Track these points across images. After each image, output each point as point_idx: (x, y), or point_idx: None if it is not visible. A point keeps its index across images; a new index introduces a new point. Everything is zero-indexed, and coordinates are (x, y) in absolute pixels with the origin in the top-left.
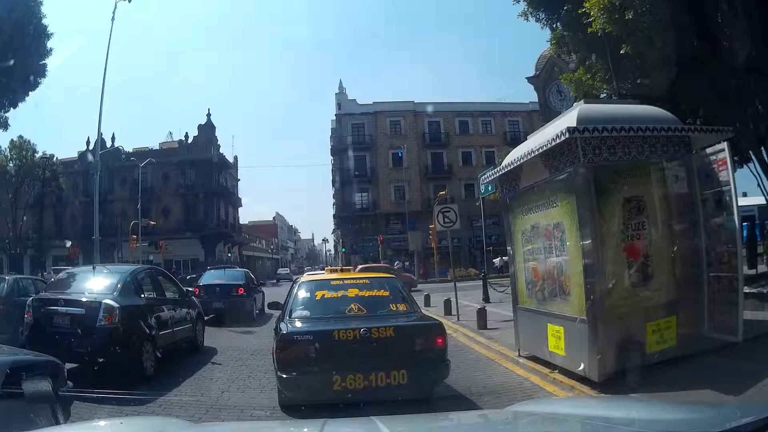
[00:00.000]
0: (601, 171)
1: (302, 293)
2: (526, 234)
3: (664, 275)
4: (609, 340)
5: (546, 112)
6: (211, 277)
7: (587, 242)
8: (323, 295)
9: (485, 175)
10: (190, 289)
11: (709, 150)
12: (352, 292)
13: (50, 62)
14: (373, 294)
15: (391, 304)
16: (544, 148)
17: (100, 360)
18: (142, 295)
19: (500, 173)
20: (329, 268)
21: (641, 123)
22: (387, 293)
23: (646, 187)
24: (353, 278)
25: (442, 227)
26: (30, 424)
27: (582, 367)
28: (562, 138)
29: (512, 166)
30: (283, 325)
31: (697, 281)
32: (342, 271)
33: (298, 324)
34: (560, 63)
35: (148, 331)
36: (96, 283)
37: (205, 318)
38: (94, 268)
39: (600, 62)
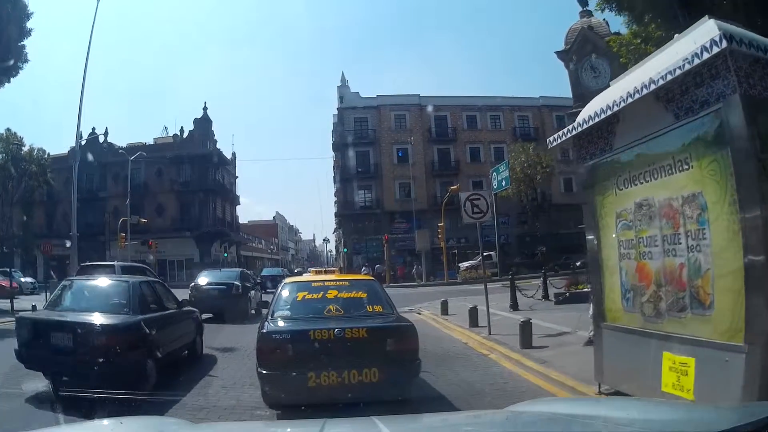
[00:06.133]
0: (761, 111)
1: (285, 294)
2: (627, 216)
3: None
4: None
5: (578, 91)
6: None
7: (753, 222)
8: (304, 296)
9: (552, 137)
10: (259, 280)
11: None
12: (332, 294)
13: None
14: (351, 296)
15: (368, 306)
16: (673, 75)
17: (231, 310)
18: (244, 281)
19: (578, 131)
20: (314, 270)
21: None
22: (364, 295)
23: None
24: (333, 280)
25: (470, 218)
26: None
27: None
28: (709, 54)
29: (601, 117)
30: (265, 324)
31: None
32: (326, 272)
33: (279, 324)
34: (593, 36)
35: (250, 296)
36: (227, 275)
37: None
38: (220, 269)
39: (660, 20)
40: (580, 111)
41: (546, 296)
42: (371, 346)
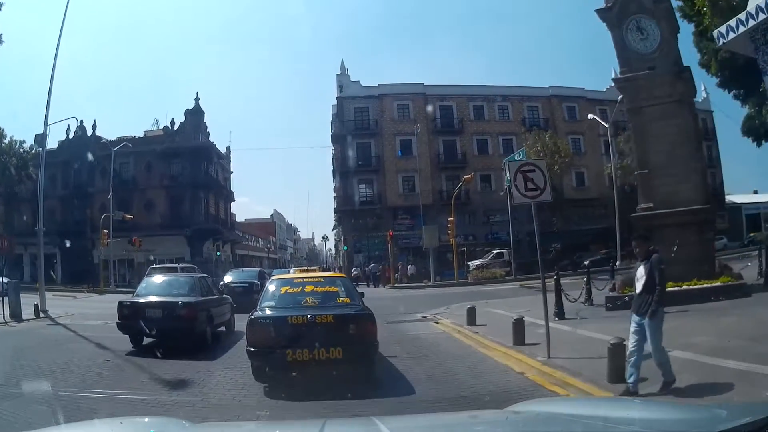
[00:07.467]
0: None
1: (272, 289)
2: None
3: None
4: None
5: (625, 54)
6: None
7: None
8: (286, 290)
9: (721, 29)
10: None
11: None
12: (309, 288)
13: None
14: (325, 290)
15: (338, 298)
16: None
17: (251, 302)
18: (262, 279)
19: None
20: (299, 268)
21: None
22: (337, 289)
23: None
24: (311, 277)
25: (523, 197)
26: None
27: None
28: None
29: None
30: (253, 312)
31: None
32: (308, 270)
33: (265, 312)
34: None
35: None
36: (249, 275)
37: None
38: (242, 269)
39: None
40: (629, 76)
41: (589, 300)
42: (336, 329)
